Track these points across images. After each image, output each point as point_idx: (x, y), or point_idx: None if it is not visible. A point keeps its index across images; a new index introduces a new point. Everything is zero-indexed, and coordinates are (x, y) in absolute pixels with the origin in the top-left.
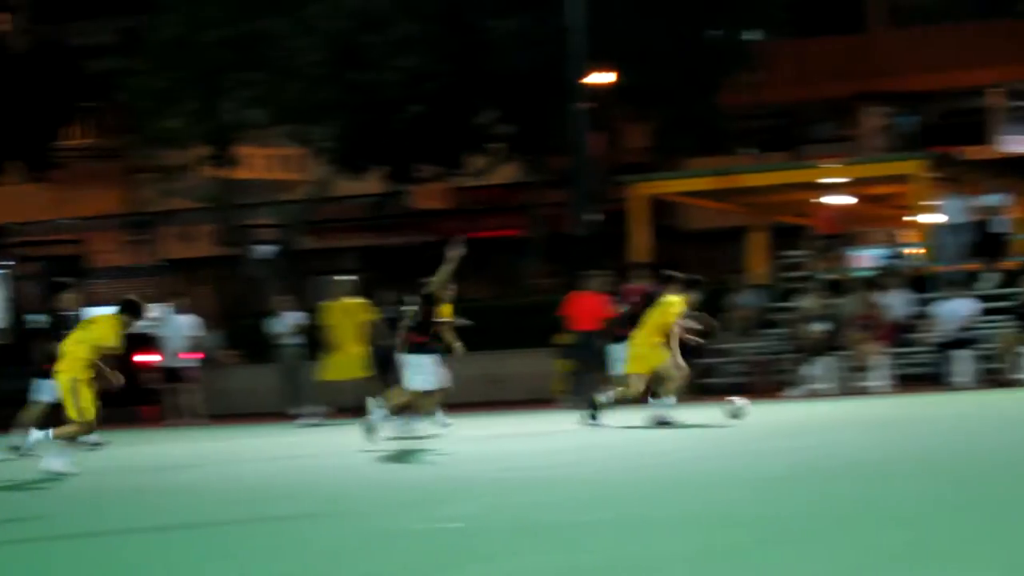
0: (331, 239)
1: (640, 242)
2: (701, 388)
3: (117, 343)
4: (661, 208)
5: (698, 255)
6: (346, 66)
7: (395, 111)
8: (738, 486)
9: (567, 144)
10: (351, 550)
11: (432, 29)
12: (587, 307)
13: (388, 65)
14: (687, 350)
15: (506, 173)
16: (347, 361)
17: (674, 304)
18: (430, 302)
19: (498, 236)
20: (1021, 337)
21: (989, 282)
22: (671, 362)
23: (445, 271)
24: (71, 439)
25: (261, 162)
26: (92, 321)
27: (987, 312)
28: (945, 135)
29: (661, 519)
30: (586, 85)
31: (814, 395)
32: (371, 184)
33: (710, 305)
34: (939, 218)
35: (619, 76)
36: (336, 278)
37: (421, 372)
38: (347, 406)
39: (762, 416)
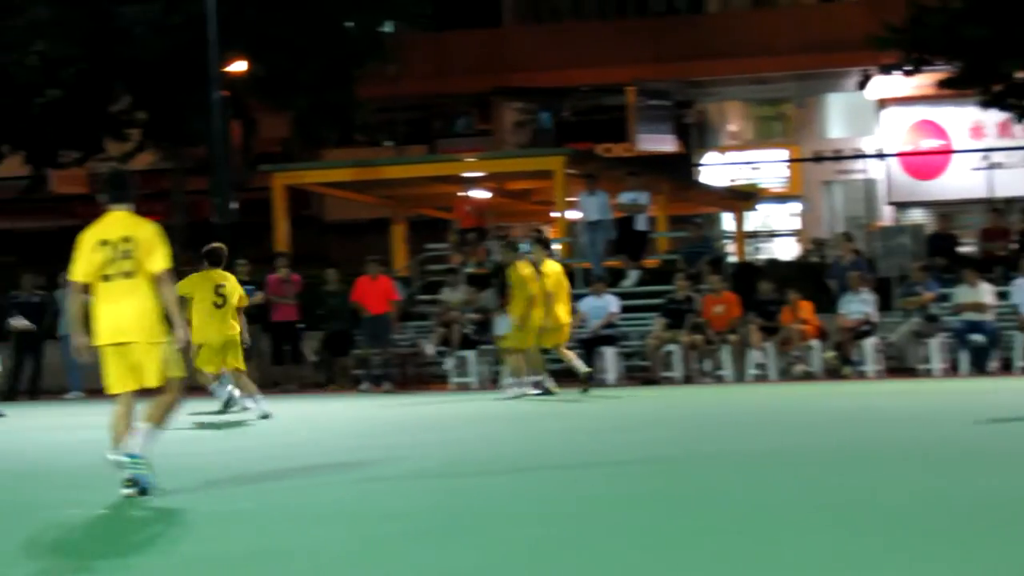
0: None
1: (279, 232)
2: (355, 379)
3: None
4: (302, 198)
5: (339, 246)
6: None
7: (32, 95)
8: (387, 479)
9: (205, 132)
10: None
11: (66, 14)
12: (377, 291)
13: (23, 49)
14: None
15: (146, 159)
16: None
17: None
18: None
19: None
20: (670, 335)
21: (631, 279)
22: None
23: None
24: None
25: None
26: None
27: (630, 309)
28: (584, 132)
29: (309, 509)
30: (223, 73)
31: (464, 388)
32: (10, 167)
33: None
34: (579, 214)
35: (255, 65)
36: None
37: None
38: None
39: (414, 409)
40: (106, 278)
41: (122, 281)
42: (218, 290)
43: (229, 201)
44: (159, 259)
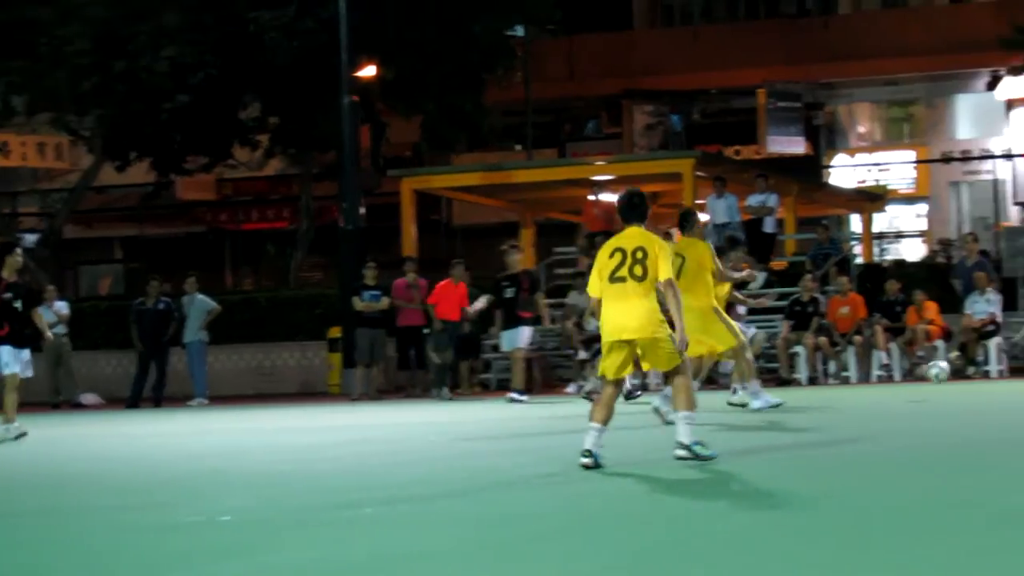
0: (97, 229)
1: (407, 237)
2: (480, 383)
3: None
4: (431, 203)
5: (467, 251)
6: (112, 55)
7: (161, 101)
8: (505, 485)
9: (335, 137)
10: (118, 544)
11: (198, 20)
12: (452, 296)
13: (154, 55)
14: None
15: (274, 165)
16: None
17: None
18: None
19: (266, 228)
20: (796, 337)
21: (758, 282)
22: None
23: None
24: None
25: (26, 150)
26: None
27: (757, 311)
28: (712, 134)
29: (431, 513)
30: (353, 78)
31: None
32: (137, 174)
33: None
34: (707, 217)
35: (386, 70)
36: None
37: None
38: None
39: (539, 411)
40: (616, 280)
41: (632, 283)
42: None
43: (356, 206)
44: (665, 269)
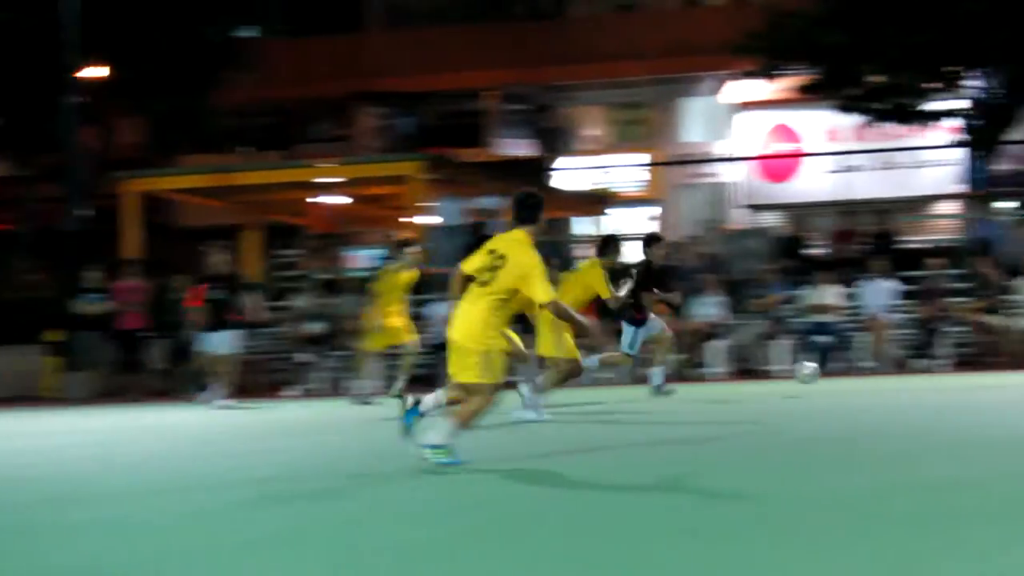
0: None
1: (131, 239)
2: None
3: None
4: (157, 205)
5: (192, 253)
6: None
7: None
8: (231, 488)
9: (59, 138)
10: None
11: None
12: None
13: None
14: None
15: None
16: None
17: None
18: None
19: None
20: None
21: None
22: None
23: None
24: None
25: None
26: None
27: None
28: (442, 137)
29: (150, 518)
30: (79, 78)
31: (310, 395)
32: None
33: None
34: (435, 219)
35: (113, 70)
36: None
37: None
38: None
39: (259, 416)
40: (474, 281)
41: (477, 288)
42: None
43: (81, 208)
44: (541, 291)
